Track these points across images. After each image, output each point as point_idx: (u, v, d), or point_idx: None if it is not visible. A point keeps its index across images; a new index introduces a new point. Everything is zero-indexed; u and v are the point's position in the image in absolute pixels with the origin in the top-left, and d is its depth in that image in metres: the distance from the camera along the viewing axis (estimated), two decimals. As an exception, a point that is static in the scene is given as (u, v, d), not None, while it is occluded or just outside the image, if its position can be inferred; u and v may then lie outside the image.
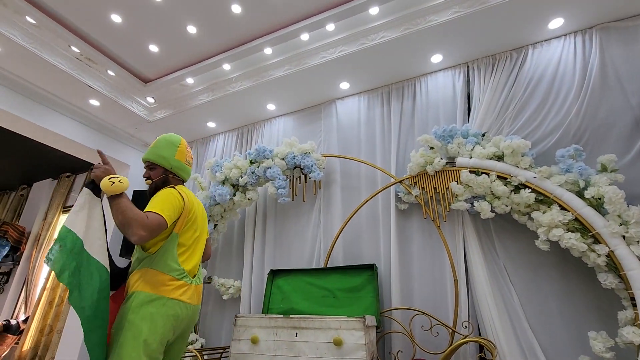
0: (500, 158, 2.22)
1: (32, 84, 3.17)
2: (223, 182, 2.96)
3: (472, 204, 2.29)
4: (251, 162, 2.93)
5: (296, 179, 2.94)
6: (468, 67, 2.73)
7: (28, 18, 2.64)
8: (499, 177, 2.16)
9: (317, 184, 2.88)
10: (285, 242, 2.99)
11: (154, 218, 1.39)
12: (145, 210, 1.43)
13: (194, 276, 1.58)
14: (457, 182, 2.31)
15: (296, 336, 1.91)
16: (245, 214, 3.29)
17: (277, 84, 3.08)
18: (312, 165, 2.77)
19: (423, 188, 2.45)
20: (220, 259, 3.27)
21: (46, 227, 4.80)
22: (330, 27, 2.66)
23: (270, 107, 3.41)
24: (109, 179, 1.41)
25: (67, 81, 3.11)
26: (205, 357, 2.58)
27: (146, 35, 2.87)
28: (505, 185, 2.12)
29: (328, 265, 2.61)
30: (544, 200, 2.02)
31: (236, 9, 2.59)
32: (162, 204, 1.48)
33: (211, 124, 3.74)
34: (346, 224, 2.65)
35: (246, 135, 3.70)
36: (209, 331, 3.01)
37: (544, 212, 2.00)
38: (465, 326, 2.11)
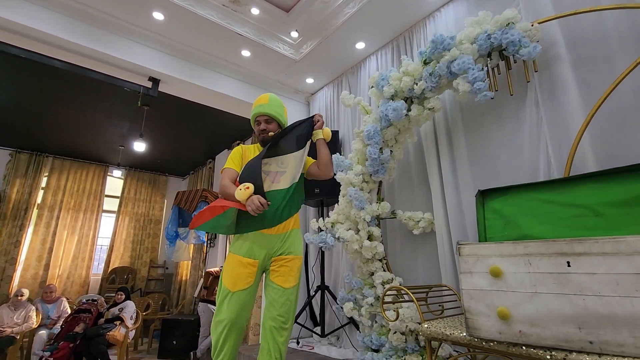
0: None
1: (193, 48, 3.32)
2: (392, 98, 2.44)
3: None
4: (425, 63, 2.28)
5: (492, 69, 2.14)
6: None
7: (177, -31, 2.64)
8: None
9: (531, 67, 2.00)
10: (485, 155, 2.28)
11: None
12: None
13: None
14: None
15: (569, 266, 1.27)
16: (419, 135, 2.72)
17: (443, -50, 2.27)
18: (520, 40, 1.91)
19: None
20: (399, 191, 2.84)
21: (232, 188, 5.47)
22: None
23: (433, -7, 2.62)
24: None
25: (220, 34, 3.11)
26: (406, 297, 2.24)
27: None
28: None
29: (571, 174, 1.80)
30: None
31: None
32: None
33: (360, 45, 3.23)
34: (595, 112, 1.74)
35: (403, 46, 3.04)
36: (401, 269, 2.67)
37: None
38: None
